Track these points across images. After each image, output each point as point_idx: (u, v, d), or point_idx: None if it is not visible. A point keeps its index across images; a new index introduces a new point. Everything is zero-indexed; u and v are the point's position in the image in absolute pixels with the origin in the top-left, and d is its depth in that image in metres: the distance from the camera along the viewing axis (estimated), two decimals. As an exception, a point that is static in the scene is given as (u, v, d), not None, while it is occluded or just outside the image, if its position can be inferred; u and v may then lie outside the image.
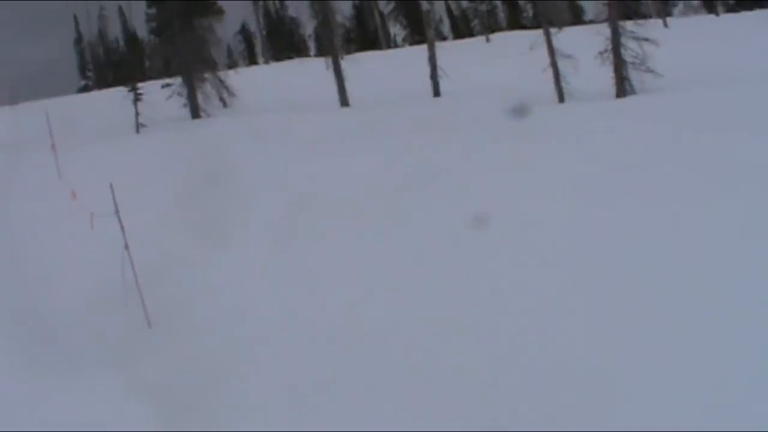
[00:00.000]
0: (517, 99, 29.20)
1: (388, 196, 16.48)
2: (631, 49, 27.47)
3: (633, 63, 27.42)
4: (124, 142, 27.85)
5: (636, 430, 7.37)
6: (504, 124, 23.77)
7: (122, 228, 12.75)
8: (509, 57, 39.03)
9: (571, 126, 22.77)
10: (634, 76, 27.56)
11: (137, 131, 31.47)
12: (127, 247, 12.62)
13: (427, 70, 36.48)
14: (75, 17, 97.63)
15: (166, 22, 36.73)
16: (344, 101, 34.87)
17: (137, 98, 31.57)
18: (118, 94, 35.65)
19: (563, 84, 28.16)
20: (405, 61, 49.91)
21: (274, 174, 19.23)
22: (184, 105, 36.83)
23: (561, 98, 28.34)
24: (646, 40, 27.20)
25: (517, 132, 22.57)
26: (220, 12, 39.96)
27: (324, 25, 37.92)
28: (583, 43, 28.68)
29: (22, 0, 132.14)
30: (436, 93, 35.87)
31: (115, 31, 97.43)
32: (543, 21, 30.07)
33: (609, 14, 27.76)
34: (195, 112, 36.25)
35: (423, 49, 38.64)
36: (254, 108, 36.31)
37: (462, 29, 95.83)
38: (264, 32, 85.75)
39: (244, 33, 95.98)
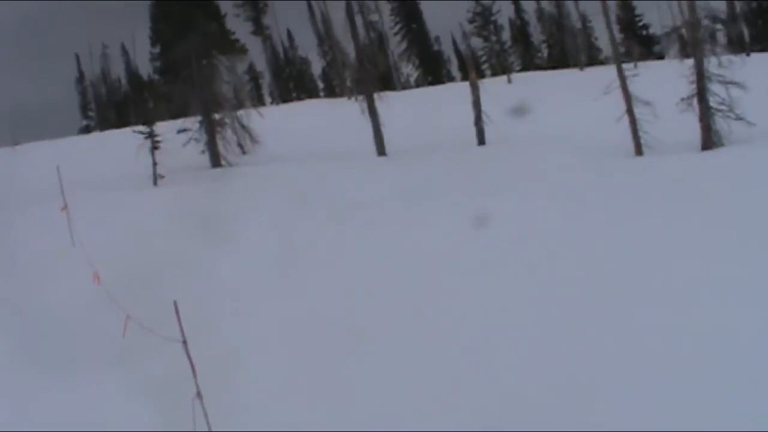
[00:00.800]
0: (583, 149, 26.14)
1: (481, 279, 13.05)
2: (716, 93, 24.18)
3: (720, 110, 24.07)
4: (141, 198, 24.37)
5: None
6: (583, 181, 20.49)
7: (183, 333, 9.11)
8: (541, 99, 36.19)
9: (656, 185, 19.44)
10: (720, 123, 24.20)
11: (155, 183, 27.98)
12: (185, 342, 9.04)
13: (454, 113, 34.07)
14: (77, 56, 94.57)
15: (183, 60, 33.15)
16: (381, 149, 31.48)
17: (155, 146, 28.09)
18: (124, 136, 32.47)
19: (641, 133, 24.78)
20: (425, 103, 46.72)
21: (339, 252, 15.80)
22: (202, 152, 33.38)
23: (639, 150, 24.98)
24: (734, 83, 23.91)
25: (602, 188, 19.31)
26: (243, 51, 36.62)
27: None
28: (656, 82, 25.70)
29: (22, 37, 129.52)
30: (481, 141, 32.58)
31: (117, 70, 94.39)
32: (616, 59, 26.75)
33: (694, 56, 24.43)
34: (215, 160, 32.84)
35: (440, 89, 35.69)
36: (277, 155, 33.01)
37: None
38: (272, 72, 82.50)
39: (251, 73, 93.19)
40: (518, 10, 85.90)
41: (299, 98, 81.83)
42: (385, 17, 75.24)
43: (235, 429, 9.03)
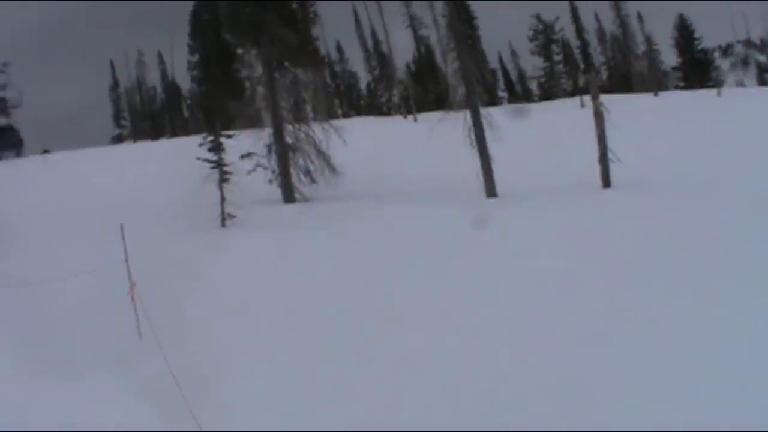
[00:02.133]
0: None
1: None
2: None
3: None
4: (209, 251, 18.72)
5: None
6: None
7: None
8: (635, 127, 30.79)
9: None
10: None
11: (223, 224, 22.30)
12: None
13: (540, 142, 31.02)
14: (111, 62, 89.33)
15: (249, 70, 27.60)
16: (491, 189, 25.68)
17: (224, 177, 22.44)
18: (164, 149, 27.16)
19: None
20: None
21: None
22: (270, 181, 27.68)
23: None
24: None
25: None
26: (322, 62, 30.88)
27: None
28: None
29: (54, 41, 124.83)
30: (606, 183, 26.67)
31: (152, 78, 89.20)
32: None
33: None
34: (288, 193, 27.16)
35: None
36: (355, 187, 27.41)
37: (518, 92, 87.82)
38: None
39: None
40: (579, 30, 79.99)
41: (346, 115, 76.44)
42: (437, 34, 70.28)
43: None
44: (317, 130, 27.93)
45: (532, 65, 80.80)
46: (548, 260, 15.40)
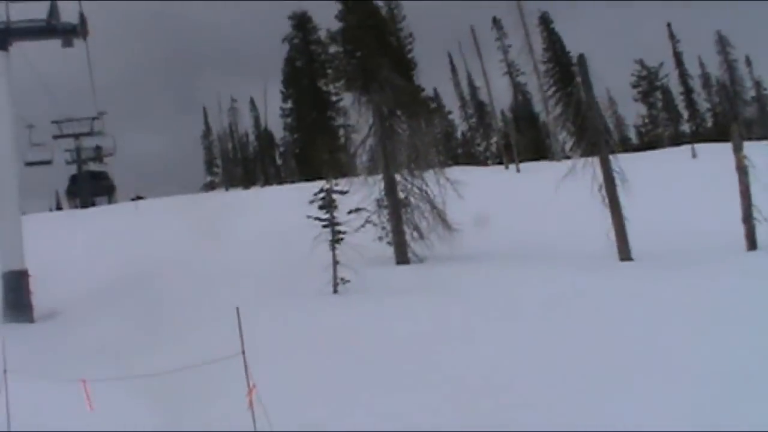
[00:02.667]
0: None
1: None
2: None
3: None
4: (326, 328, 16.51)
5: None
6: None
7: None
8: None
9: None
10: None
11: (335, 290, 20.16)
12: None
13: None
14: (204, 109, 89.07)
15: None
16: (625, 251, 23.04)
17: (336, 238, 20.35)
18: (257, 198, 25.18)
19: None
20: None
21: None
22: (379, 238, 25.50)
23: None
24: None
25: None
26: (436, 112, 28.85)
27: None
28: None
29: (148, 86, 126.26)
30: (752, 244, 23.80)
31: (245, 125, 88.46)
32: None
33: None
34: (401, 254, 24.94)
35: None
36: (471, 245, 25.09)
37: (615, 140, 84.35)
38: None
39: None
40: (682, 75, 76.43)
41: (443, 164, 74.24)
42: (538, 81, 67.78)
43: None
44: (431, 183, 25.71)
45: (635, 112, 77.67)
46: (721, 343, 12.90)
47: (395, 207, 24.90)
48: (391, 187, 25.00)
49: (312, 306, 18.21)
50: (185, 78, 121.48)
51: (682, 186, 32.62)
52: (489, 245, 25.61)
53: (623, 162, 24.42)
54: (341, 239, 20.18)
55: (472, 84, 79.70)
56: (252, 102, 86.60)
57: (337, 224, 20.27)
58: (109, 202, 77.23)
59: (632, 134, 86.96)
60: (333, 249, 19.97)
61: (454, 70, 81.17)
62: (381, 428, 10.97)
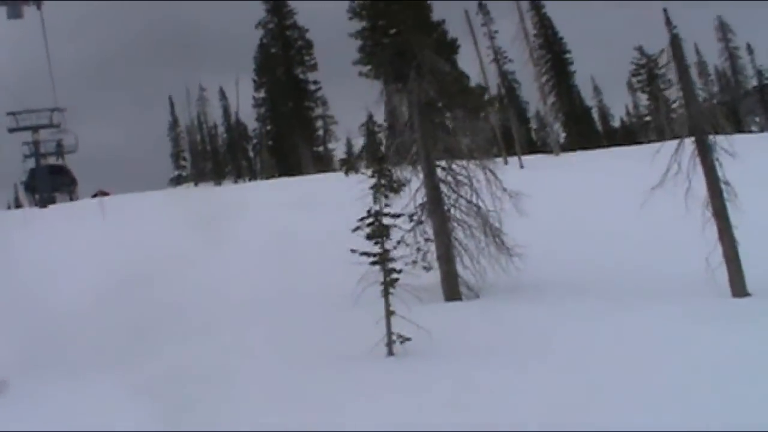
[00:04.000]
0: None
1: None
2: None
3: None
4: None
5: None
6: None
7: None
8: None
9: None
10: None
11: (390, 351, 14.41)
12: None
13: None
14: (170, 99, 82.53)
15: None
16: (739, 285, 17.57)
17: (390, 280, 14.60)
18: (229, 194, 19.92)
19: None
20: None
21: None
22: (413, 262, 19.73)
23: None
24: None
25: None
26: (491, 103, 23.06)
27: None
28: None
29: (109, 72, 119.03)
30: None
31: (214, 116, 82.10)
32: None
33: None
34: (452, 288, 19.29)
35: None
36: (529, 271, 19.64)
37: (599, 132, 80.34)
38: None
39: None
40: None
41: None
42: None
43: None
44: (484, 194, 20.15)
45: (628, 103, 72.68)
46: None
47: (441, 225, 19.24)
48: (435, 200, 19.30)
49: (364, 381, 12.54)
50: (148, 68, 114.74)
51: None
52: (549, 268, 20.13)
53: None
54: (396, 280, 14.46)
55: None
56: (221, 91, 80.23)
57: (391, 260, 14.52)
58: (71, 197, 71.60)
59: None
60: (386, 295, 14.24)
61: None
62: None
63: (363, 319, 15.01)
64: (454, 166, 20.43)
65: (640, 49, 66.59)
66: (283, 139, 69.94)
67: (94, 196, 71.79)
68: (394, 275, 14.38)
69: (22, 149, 57.88)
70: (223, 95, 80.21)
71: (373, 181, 15.45)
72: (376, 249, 14.84)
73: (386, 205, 14.75)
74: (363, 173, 20.66)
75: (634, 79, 67.17)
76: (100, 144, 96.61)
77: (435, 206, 19.30)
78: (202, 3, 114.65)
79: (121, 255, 24.50)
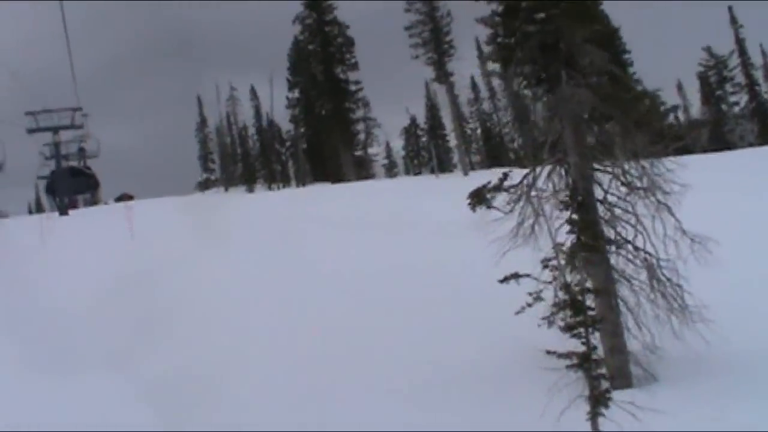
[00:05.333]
0: None
1: None
2: None
3: None
4: None
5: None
6: None
7: None
8: None
9: None
10: None
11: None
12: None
13: None
14: (199, 98, 77.58)
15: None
16: None
17: (595, 381, 9.34)
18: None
19: None
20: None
21: None
22: (547, 323, 14.20)
23: None
24: None
25: None
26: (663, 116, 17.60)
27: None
28: None
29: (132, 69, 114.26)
30: None
31: (244, 117, 77.06)
32: None
33: None
34: (622, 369, 13.99)
35: None
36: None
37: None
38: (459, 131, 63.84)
39: (411, 130, 75.01)
40: (745, 64, 65.64)
41: (486, 165, 63.59)
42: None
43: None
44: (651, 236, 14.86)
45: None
46: None
47: (604, 279, 13.97)
48: (592, 244, 13.94)
49: None
50: (175, 67, 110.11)
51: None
52: (741, 337, 14.80)
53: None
54: (607, 393, 9.22)
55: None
56: (252, 90, 75.07)
57: (597, 362, 9.28)
58: (93, 200, 67.27)
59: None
60: (594, 419, 8.99)
61: (481, 56, 70.01)
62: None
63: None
64: (609, 197, 15.19)
65: (708, 50, 61.23)
66: (320, 142, 64.89)
67: (119, 199, 67.20)
68: (604, 385, 9.09)
69: (41, 150, 53.55)
70: (254, 94, 75.20)
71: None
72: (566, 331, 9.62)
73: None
74: (495, 208, 15.52)
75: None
76: (119, 145, 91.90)
77: (593, 252, 13.96)
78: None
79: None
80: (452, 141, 68.99)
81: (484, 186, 14.85)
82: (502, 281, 13.29)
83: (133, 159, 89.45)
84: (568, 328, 9.36)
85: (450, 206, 28.62)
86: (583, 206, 13.85)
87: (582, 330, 9.24)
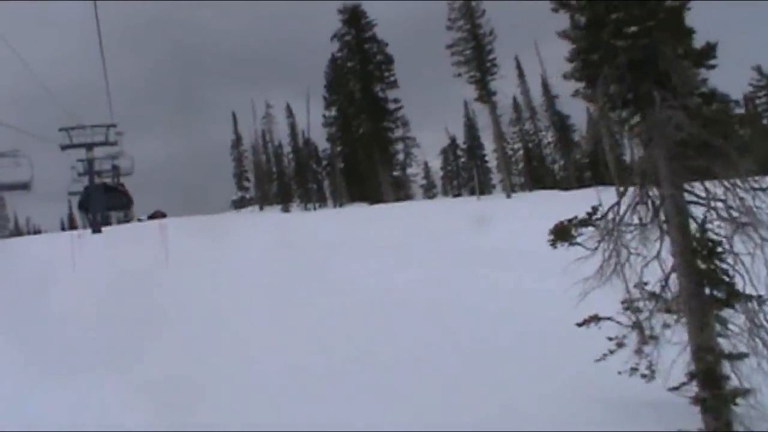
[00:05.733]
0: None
1: None
2: None
3: None
4: None
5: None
6: None
7: None
8: None
9: None
10: None
11: None
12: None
13: None
14: (234, 115, 76.55)
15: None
16: None
17: None
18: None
19: None
20: None
21: None
22: (632, 369, 12.35)
23: None
24: None
25: None
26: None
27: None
28: None
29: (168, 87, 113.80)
30: None
31: (279, 135, 75.80)
32: None
33: None
34: (723, 424, 12.05)
35: None
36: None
37: None
38: (500, 151, 62.11)
39: (451, 150, 73.31)
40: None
41: (528, 187, 61.81)
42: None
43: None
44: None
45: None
46: None
47: (703, 319, 12.13)
48: (692, 284, 12.10)
49: None
50: (209, 84, 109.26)
51: None
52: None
53: None
54: None
55: (548, 91, 66.95)
56: (288, 108, 73.77)
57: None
58: (126, 217, 66.52)
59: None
60: None
61: (521, 75, 68.42)
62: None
63: None
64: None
65: (758, 69, 59.08)
66: (358, 161, 63.44)
67: (152, 217, 66.15)
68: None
69: (75, 165, 52.79)
70: (290, 112, 73.94)
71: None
72: None
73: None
74: (579, 245, 13.76)
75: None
76: (152, 161, 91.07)
77: (691, 293, 12.14)
78: (262, 14, 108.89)
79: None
80: (491, 161, 67.39)
81: (570, 221, 13.07)
82: (580, 325, 11.76)
83: (166, 175, 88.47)
84: (698, 401, 7.62)
85: (504, 232, 26.98)
86: (681, 246, 12.12)
87: (719, 405, 7.51)
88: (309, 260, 24.37)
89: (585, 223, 12.96)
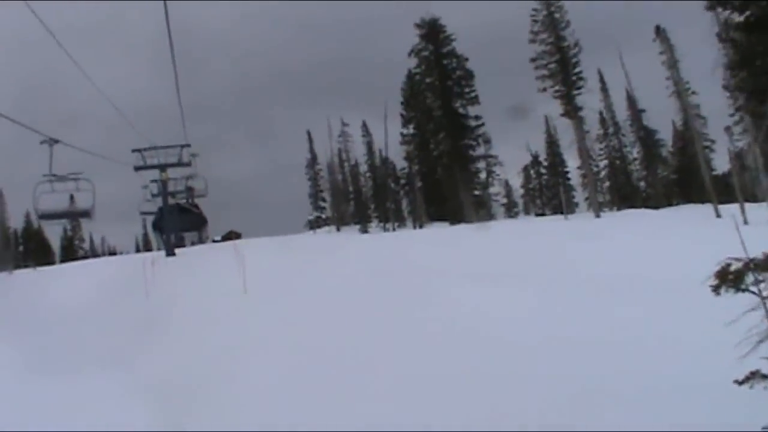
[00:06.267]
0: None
1: None
2: None
3: None
4: None
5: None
6: None
7: None
8: None
9: None
10: None
11: None
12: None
13: None
14: (309, 134, 74.65)
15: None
16: None
17: None
18: None
19: None
20: None
21: None
22: None
23: None
24: None
25: None
26: None
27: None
28: None
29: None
30: None
31: (357, 153, 73.63)
32: None
33: None
34: None
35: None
36: None
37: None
38: (586, 168, 58.81)
39: (533, 168, 70.19)
40: None
41: (614, 205, 58.44)
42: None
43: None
44: None
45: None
46: None
47: None
48: None
49: None
50: (285, 102, 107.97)
51: None
52: None
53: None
54: None
55: (635, 105, 63.46)
56: (365, 126, 71.58)
57: None
58: (200, 238, 65.00)
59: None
60: None
61: (604, 88, 65.02)
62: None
63: None
64: None
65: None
66: (437, 180, 60.74)
67: (226, 237, 64.43)
68: None
69: (149, 186, 51.15)
70: (366, 131, 71.74)
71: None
72: None
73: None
74: (751, 292, 10.76)
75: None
76: (226, 180, 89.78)
77: None
78: (337, 30, 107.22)
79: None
80: (573, 179, 64.16)
81: (746, 263, 9.99)
82: (741, 383, 9.17)
83: (240, 195, 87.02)
84: None
85: (618, 255, 24.00)
86: None
87: None
88: (407, 291, 21.66)
89: (764, 266, 9.89)
